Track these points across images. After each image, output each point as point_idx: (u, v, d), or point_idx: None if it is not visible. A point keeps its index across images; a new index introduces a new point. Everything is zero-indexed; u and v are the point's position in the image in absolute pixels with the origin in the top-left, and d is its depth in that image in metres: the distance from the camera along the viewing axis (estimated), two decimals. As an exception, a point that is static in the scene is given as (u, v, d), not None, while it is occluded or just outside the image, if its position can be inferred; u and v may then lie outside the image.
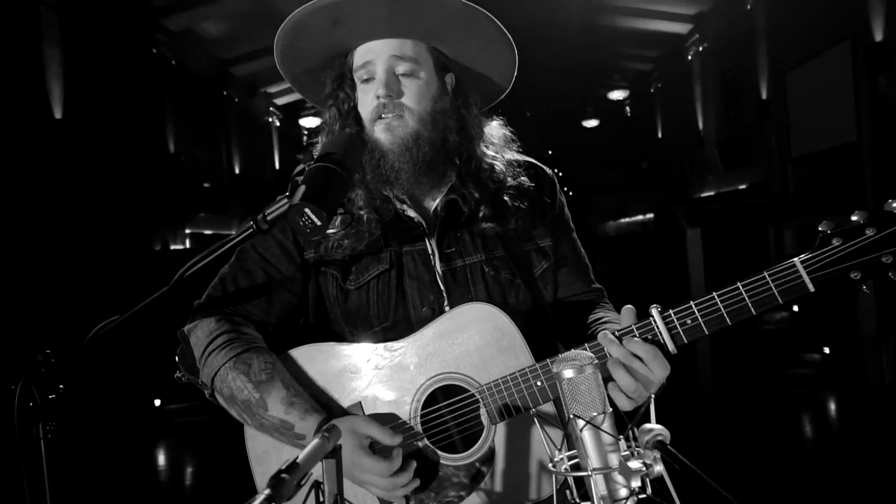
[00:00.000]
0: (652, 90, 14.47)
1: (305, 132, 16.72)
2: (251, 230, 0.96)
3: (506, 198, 1.30)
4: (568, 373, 0.75)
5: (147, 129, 9.16)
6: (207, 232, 11.02)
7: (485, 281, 1.27)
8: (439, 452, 1.18)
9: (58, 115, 6.96)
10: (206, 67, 11.39)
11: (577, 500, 0.71)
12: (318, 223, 0.91)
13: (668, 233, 7.78)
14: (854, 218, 1.01)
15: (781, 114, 8.97)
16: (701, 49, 11.65)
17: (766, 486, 3.69)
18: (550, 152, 16.80)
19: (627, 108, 16.04)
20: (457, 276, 1.27)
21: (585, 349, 1.09)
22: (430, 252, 1.28)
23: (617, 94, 15.39)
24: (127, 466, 5.09)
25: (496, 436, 1.16)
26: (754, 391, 5.65)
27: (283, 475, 0.58)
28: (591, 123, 15.90)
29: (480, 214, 1.28)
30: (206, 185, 11.39)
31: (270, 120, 14.59)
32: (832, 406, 5.39)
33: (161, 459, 5.44)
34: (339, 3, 1.17)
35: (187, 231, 10.28)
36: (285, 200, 0.95)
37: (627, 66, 14.35)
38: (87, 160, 7.35)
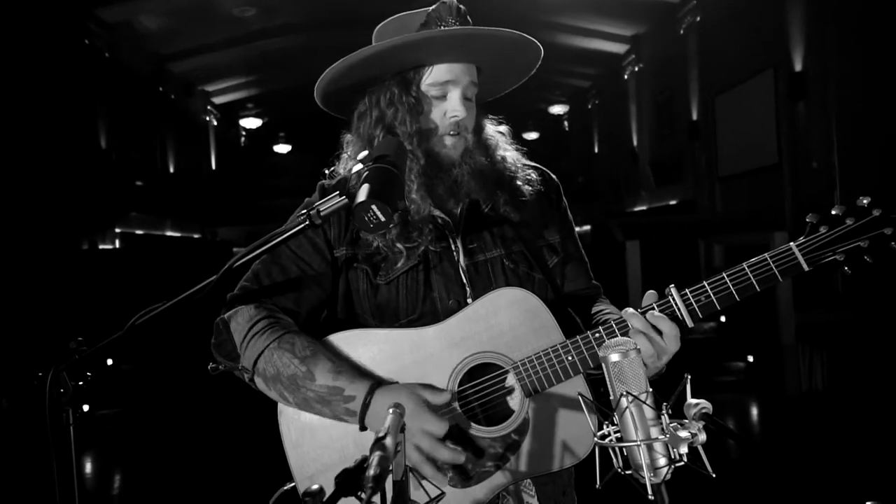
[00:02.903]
0: (590, 106, 15.00)
1: (244, 133, 16.39)
2: (305, 224, 1.01)
3: (520, 197, 1.42)
4: (614, 357, 0.86)
5: (77, 123, 8.76)
6: (139, 232, 10.61)
7: (505, 274, 1.37)
8: (476, 426, 1.26)
9: (-19, 104, 6.58)
10: (141, 62, 11.01)
11: (622, 468, 0.79)
12: (383, 219, 0.97)
13: (604, 244, 8.08)
14: (834, 211, 1.18)
15: (710, 135, 9.51)
16: (637, 69, 12.18)
17: (691, 487, 3.89)
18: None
19: (566, 123, 16.57)
20: (479, 270, 1.36)
21: (615, 331, 1.21)
22: (454, 249, 1.38)
23: (557, 109, 15.89)
24: (51, 475, 4.84)
25: (530, 408, 1.25)
26: (682, 398, 5.93)
27: (384, 441, 0.64)
28: (532, 136, 16.32)
29: (499, 213, 1.39)
30: (138, 183, 10.98)
31: (208, 119, 14.21)
32: (755, 411, 5.73)
33: (88, 467, 5.20)
34: (468, 37, 1.28)
35: (117, 230, 9.87)
36: (340, 198, 0.99)
37: (567, 82, 14.84)
38: (12, 154, 6.97)
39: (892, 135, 5.95)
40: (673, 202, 10.89)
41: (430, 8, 1.33)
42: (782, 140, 7.81)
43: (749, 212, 8.40)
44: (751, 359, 6.26)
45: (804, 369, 5.65)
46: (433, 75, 1.34)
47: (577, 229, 1.58)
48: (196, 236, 12.99)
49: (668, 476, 0.80)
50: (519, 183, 1.42)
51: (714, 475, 0.78)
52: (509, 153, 1.45)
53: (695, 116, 9.98)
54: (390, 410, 0.75)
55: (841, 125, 6.81)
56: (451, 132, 1.34)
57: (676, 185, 10.85)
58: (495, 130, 1.47)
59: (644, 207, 12.08)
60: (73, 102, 8.58)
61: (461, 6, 1.34)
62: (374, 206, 0.97)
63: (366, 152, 1.03)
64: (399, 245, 1.31)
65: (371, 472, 0.59)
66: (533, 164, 1.50)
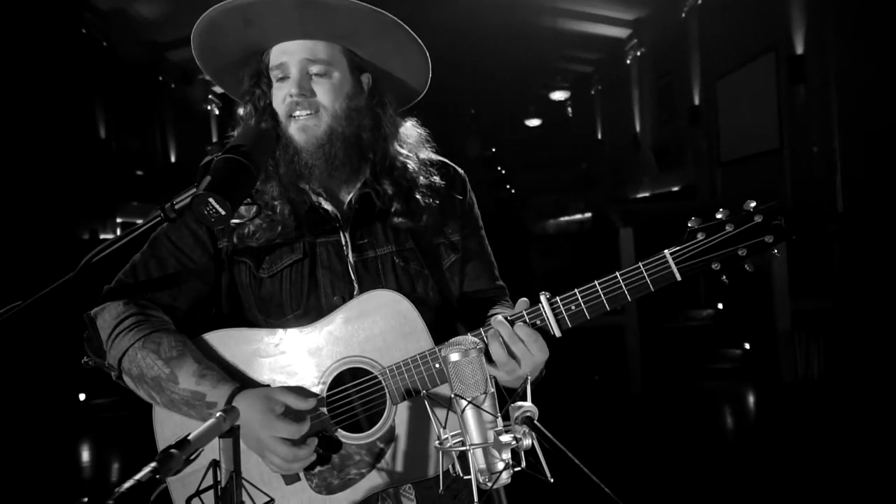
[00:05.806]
0: (592, 92, 14.84)
1: (245, 122, 16.39)
2: (158, 218, 1.00)
3: (418, 195, 1.35)
4: (454, 356, 0.82)
5: (76, 113, 8.77)
6: (140, 221, 10.60)
7: (395, 272, 1.32)
8: (342, 432, 1.23)
9: (-23, 95, 6.59)
10: (139, 51, 10.98)
11: (461, 474, 0.77)
12: (222, 213, 0.96)
13: (603, 231, 8.02)
14: (718, 215, 1.11)
15: (711, 120, 9.38)
16: (639, 54, 12.03)
17: (688, 472, 3.89)
18: (494, 150, 17.00)
19: (569, 109, 16.42)
20: (368, 267, 1.32)
21: (467, 336, 1.16)
22: (343, 243, 1.32)
23: (558, 95, 15.74)
24: (49, 463, 4.89)
25: (397, 416, 1.22)
26: (680, 385, 5.91)
27: (172, 450, 0.60)
28: (534, 123, 16.19)
29: (393, 209, 1.32)
30: (138, 172, 11.01)
31: (209, 108, 14.18)
32: (751, 398, 5.70)
33: (85, 456, 5.25)
34: (250, 5, 1.20)
35: (118, 220, 9.92)
36: (194, 190, 0.97)
37: (569, 67, 14.67)
38: (11, 145, 6.98)
39: (893, 119, 5.84)
40: (675, 188, 10.79)
41: None
42: (783, 124, 7.70)
43: (750, 197, 8.30)
44: (747, 346, 6.22)
45: (800, 356, 5.60)
46: (271, 58, 1.28)
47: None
48: (198, 225, 13.02)
49: (507, 480, 0.76)
50: (417, 177, 1.36)
51: (552, 480, 0.74)
52: (409, 146, 1.38)
53: (696, 101, 9.85)
54: (215, 414, 0.72)
55: (842, 109, 6.69)
56: (293, 113, 1.26)
57: (678, 170, 10.75)
58: (395, 122, 1.38)
59: (647, 194, 11.97)
60: (72, 92, 8.59)
61: None
62: (211, 199, 0.95)
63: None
64: (265, 238, 1.28)
65: (123, 486, 0.56)
66: (438, 157, 1.44)
